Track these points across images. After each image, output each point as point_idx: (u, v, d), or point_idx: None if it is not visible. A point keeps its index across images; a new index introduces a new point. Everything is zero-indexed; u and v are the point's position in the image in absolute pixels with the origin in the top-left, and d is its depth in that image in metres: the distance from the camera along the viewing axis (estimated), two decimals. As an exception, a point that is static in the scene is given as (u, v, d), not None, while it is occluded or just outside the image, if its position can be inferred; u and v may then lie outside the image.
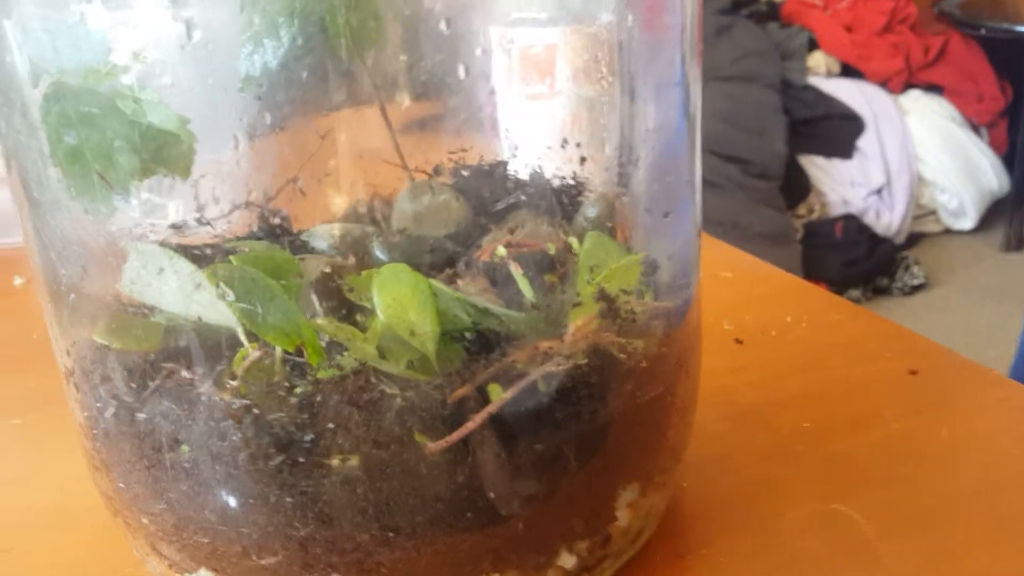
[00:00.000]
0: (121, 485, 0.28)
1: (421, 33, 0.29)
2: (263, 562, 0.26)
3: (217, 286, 0.24)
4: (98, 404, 0.27)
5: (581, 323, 0.26)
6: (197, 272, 0.24)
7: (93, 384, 0.27)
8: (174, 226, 0.27)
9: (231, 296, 0.24)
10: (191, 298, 0.24)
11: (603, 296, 0.26)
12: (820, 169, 1.91)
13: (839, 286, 1.88)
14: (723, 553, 0.32)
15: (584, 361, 0.26)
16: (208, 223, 0.28)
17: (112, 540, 0.33)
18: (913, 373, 0.42)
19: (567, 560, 0.28)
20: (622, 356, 0.27)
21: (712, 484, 0.36)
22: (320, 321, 0.25)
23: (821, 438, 0.38)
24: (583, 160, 0.28)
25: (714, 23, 1.87)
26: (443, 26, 0.28)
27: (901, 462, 0.36)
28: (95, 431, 0.28)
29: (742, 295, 0.52)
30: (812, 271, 1.81)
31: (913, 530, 0.33)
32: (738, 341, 0.47)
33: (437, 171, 0.33)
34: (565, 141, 0.28)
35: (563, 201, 0.31)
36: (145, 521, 0.28)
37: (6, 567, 0.34)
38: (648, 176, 0.29)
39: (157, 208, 0.27)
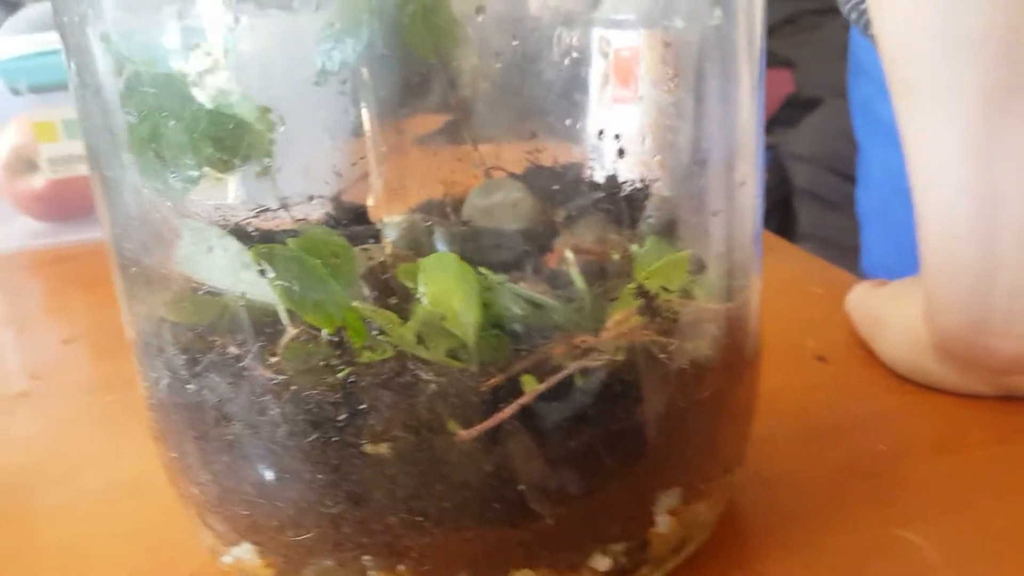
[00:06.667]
0: (174, 455, 0.29)
1: (504, 36, 0.29)
2: (298, 538, 0.27)
3: (259, 264, 0.24)
4: (154, 375, 0.28)
5: (619, 318, 0.26)
6: (244, 251, 0.25)
7: (151, 356, 0.28)
8: (259, 211, 0.28)
9: (271, 274, 0.24)
10: (238, 276, 0.25)
11: (641, 293, 0.26)
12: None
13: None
14: (774, 572, 0.31)
15: (621, 358, 0.26)
16: (284, 209, 0.29)
17: (181, 511, 0.35)
18: (1005, 399, 0.40)
19: (601, 562, 0.28)
20: (662, 356, 0.26)
21: (774, 500, 0.35)
22: (358, 304, 0.26)
23: (895, 461, 0.36)
24: (621, 152, 0.28)
25: (845, 39, 1.81)
26: (526, 27, 0.28)
27: (977, 491, 0.34)
28: (152, 401, 0.29)
29: (831, 312, 0.50)
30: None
31: (980, 562, 0.30)
32: (820, 358, 0.45)
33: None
34: (602, 132, 0.27)
35: (632, 205, 0.31)
36: (195, 491, 0.29)
37: (85, 532, 0.36)
38: (705, 178, 0.29)
39: (226, 192, 0.28)
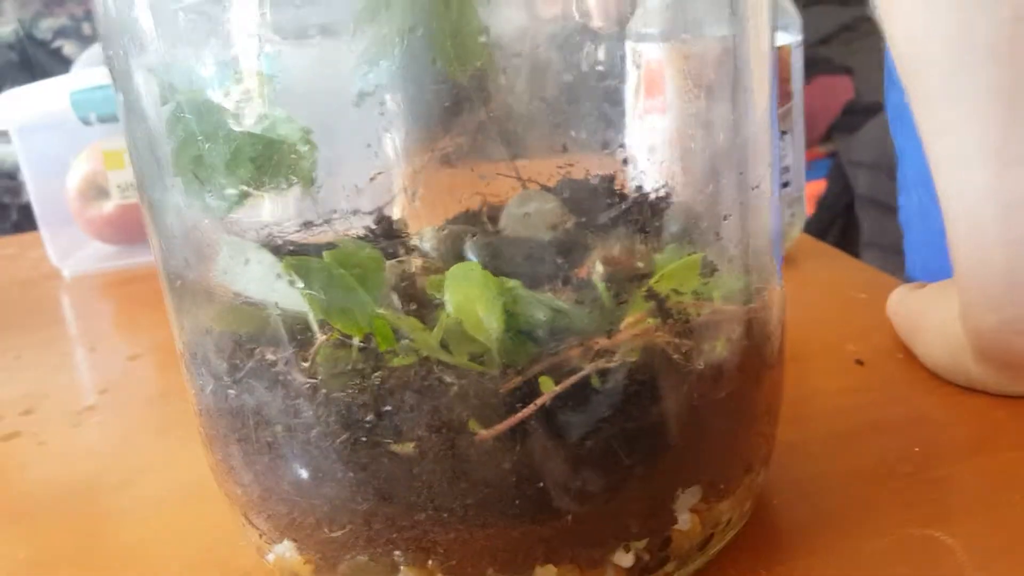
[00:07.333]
0: (220, 457, 0.31)
1: (532, 51, 0.30)
2: (333, 535, 0.28)
3: (289, 275, 0.26)
4: (200, 383, 0.30)
5: (631, 320, 0.27)
6: (277, 263, 0.27)
7: (197, 365, 0.30)
8: (299, 227, 0.30)
9: (300, 284, 0.26)
10: (272, 287, 0.27)
11: (652, 295, 0.26)
12: None
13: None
14: (802, 571, 0.31)
15: (636, 359, 0.27)
16: (323, 224, 0.31)
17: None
18: (1043, 400, 0.39)
19: (623, 558, 0.28)
20: (676, 357, 0.27)
21: (805, 502, 0.35)
22: (383, 311, 0.27)
23: (929, 462, 0.36)
24: (642, 162, 0.29)
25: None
26: (555, 42, 0.29)
27: (1010, 490, 0.34)
28: (200, 408, 0.31)
29: (873, 317, 0.50)
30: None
31: (1011, 560, 0.30)
32: (859, 362, 0.45)
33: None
34: (607, 143, 0.28)
35: (656, 214, 0.32)
36: (239, 492, 0.31)
37: (146, 533, 0.38)
38: (722, 183, 0.30)
39: (266, 209, 0.30)
